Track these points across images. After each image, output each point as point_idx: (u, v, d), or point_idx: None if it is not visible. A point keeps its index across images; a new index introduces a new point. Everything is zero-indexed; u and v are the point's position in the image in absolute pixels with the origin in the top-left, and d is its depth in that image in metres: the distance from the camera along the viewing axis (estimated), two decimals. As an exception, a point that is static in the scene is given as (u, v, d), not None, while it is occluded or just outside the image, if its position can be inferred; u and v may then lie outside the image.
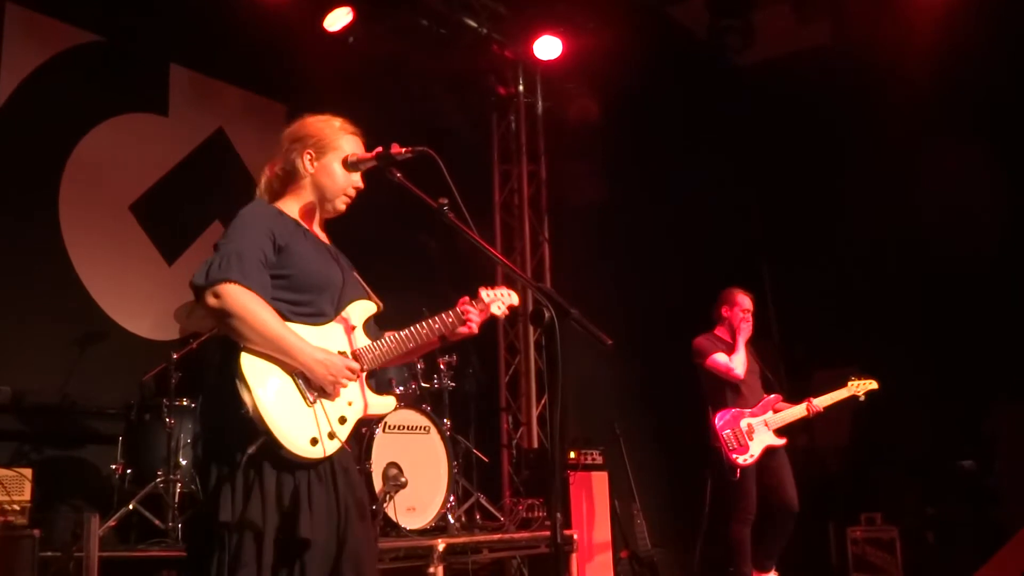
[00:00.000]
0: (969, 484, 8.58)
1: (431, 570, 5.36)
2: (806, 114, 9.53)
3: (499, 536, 6.28)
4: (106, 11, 6.48)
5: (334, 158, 3.04)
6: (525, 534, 6.49)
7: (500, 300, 3.24)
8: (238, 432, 2.71)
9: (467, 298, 3.21)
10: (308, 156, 3.03)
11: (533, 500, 7.23)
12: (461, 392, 6.84)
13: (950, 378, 6.56)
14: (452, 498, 6.17)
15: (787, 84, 9.44)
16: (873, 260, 9.11)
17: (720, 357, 6.38)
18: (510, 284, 3.49)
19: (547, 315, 2.57)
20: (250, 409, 2.69)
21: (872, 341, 8.53)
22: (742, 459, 6.16)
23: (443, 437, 6.20)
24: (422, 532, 5.82)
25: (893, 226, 8.97)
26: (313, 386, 2.83)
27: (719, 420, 6.28)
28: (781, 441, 6.33)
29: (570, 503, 6.89)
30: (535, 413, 8.52)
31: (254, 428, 2.69)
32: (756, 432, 6.24)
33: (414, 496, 5.85)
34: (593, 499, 7.14)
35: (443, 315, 3.14)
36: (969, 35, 7.96)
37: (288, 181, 3.07)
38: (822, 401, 6.41)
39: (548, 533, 2.48)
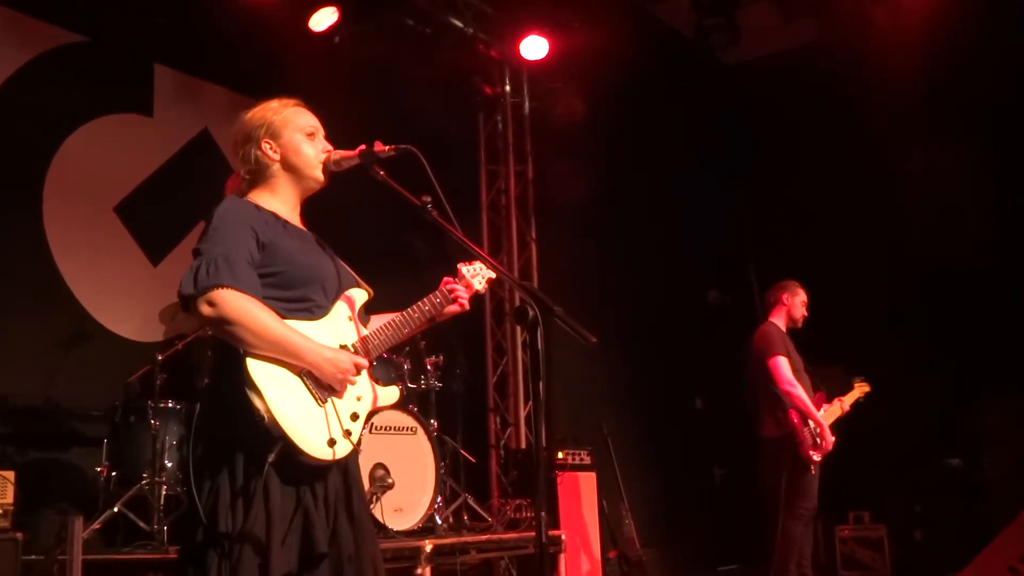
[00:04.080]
0: (956, 481, 8.62)
1: (419, 571, 5.35)
2: (793, 112, 9.57)
3: (487, 537, 6.28)
4: (90, 11, 6.44)
5: (291, 133, 2.95)
6: (513, 534, 6.50)
7: (480, 275, 3.25)
8: (250, 441, 2.62)
9: (450, 277, 3.21)
10: (267, 145, 2.94)
11: (521, 500, 7.23)
12: (448, 392, 6.83)
13: (936, 376, 6.58)
14: (439, 499, 6.16)
15: (773, 82, 9.48)
16: (860, 259, 9.15)
17: (784, 363, 6.25)
18: (496, 283, 3.48)
19: (531, 313, 2.55)
20: (265, 417, 2.59)
21: (859, 340, 8.56)
22: (816, 456, 6.09)
23: (430, 438, 6.18)
24: (409, 533, 5.81)
25: (880, 224, 9.02)
26: (322, 385, 2.74)
27: (796, 416, 6.20)
28: (832, 438, 6.29)
29: (558, 503, 6.88)
30: (523, 413, 8.51)
31: (269, 435, 2.60)
32: (824, 428, 6.16)
33: (401, 497, 5.83)
34: (581, 499, 7.13)
35: (431, 296, 3.14)
36: (955, 32, 8.00)
37: (257, 178, 2.97)
38: (847, 400, 6.43)
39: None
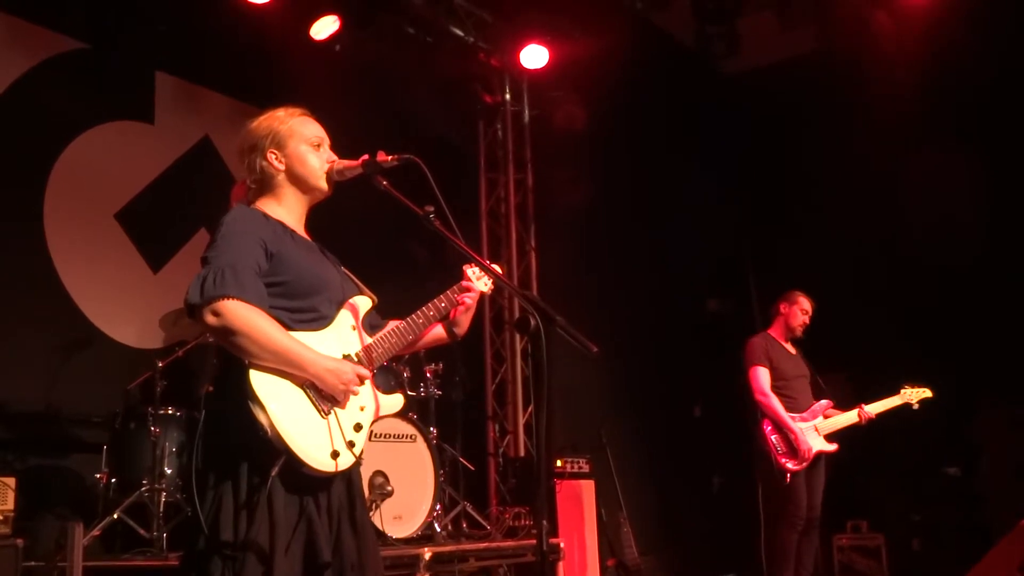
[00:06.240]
0: (955, 490, 8.62)
1: (417, 578, 5.35)
2: (792, 121, 9.58)
3: (486, 544, 6.28)
4: (92, 18, 6.45)
5: (296, 144, 2.96)
6: (512, 542, 6.49)
7: (485, 277, 3.26)
8: (253, 453, 2.63)
9: (459, 283, 3.22)
10: (272, 155, 2.95)
11: (520, 508, 7.23)
12: (447, 400, 6.84)
13: (934, 384, 6.57)
14: (438, 507, 6.17)
15: (774, 90, 9.49)
16: (859, 266, 9.16)
17: (762, 373, 6.30)
18: (496, 291, 3.49)
19: (533, 322, 2.56)
20: (268, 431, 2.60)
21: (858, 348, 8.56)
22: (792, 464, 6.12)
23: (429, 445, 6.19)
24: (408, 541, 5.81)
25: (878, 232, 9.03)
26: (325, 396, 2.75)
27: (768, 425, 6.22)
28: (832, 447, 6.27)
29: (557, 511, 6.89)
30: (522, 421, 8.52)
31: (273, 448, 2.61)
32: (806, 437, 6.16)
33: (400, 505, 5.84)
34: (580, 507, 7.13)
35: (436, 301, 3.15)
36: (953, 41, 8.02)
37: (263, 188, 2.98)
38: (874, 408, 6.34)
39: (535, 541, 2.47)
